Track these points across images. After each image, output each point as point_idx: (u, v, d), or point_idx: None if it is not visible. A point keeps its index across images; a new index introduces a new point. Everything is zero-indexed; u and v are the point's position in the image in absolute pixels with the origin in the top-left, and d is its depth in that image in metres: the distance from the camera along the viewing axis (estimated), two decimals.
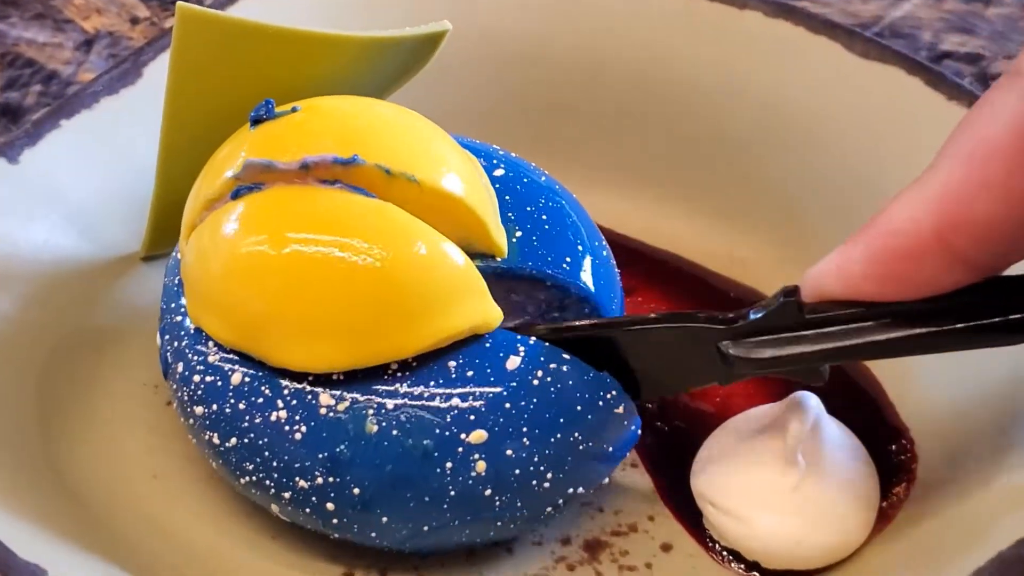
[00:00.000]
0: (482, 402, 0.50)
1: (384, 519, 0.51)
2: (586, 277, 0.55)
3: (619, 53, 0.70)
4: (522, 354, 0.51)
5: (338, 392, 0.50)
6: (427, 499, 0.50)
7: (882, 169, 0.63)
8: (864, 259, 0.45)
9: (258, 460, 0.51)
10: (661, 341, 0.52)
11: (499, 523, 0.52)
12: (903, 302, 0.45)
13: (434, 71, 0.61)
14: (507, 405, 0.50)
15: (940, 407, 0.58)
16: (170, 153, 0.58)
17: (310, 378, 0.51)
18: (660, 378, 0.53)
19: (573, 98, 0.71)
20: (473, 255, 0.54)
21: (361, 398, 0.50)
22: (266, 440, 0.51)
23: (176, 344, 0.53)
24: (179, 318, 0.54)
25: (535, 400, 0.50)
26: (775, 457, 0.54)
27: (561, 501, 0.52)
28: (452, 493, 0.50)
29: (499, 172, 0.58)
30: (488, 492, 0.50)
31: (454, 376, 0.50)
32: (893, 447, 0.58)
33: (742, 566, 0.55)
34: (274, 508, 0.52)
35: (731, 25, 0.68)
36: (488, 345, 0.51)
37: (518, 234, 0.55)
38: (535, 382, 0.50)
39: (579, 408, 0.51)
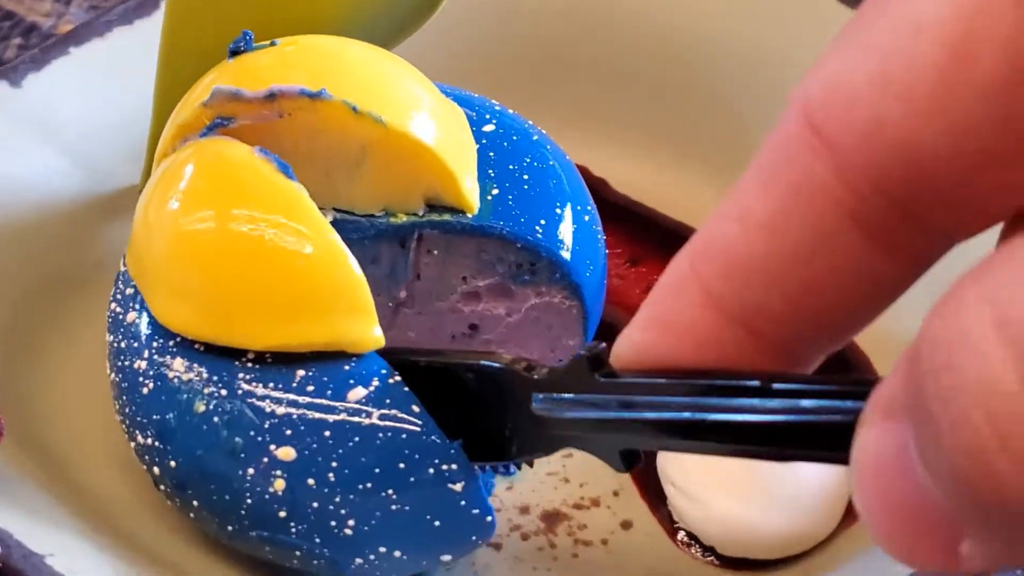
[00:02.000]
0: (303, 422, 0.47)
1: (195, 503, 0.49)
2: (560, 242, 0.54)
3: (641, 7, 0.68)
4: (370, 389, 0.48)
5: (189, 363, 0.49)
6: (227, 498, 0.48)
7: None
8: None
9: (119, 402, 0.51)
10: (468, 386, 0.46)
11: (299, 553, 0.49)
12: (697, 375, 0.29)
13: (439, 22, 0.60)
14: (326, 433, 0.47)
15: None
16: (166, 87, 0.58)
17: (177, 339, 0.49)
18: (484, 437, 0.47)
19: (590, 55, 0.69)
20: (442, 208, 0.53)
21: (205, 375, 0.48)
22: (126, 386, 0.50)
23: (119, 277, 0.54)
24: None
25: (356, 440, 0.47)
26: None
27: (375, 558, 0.49)
28: (249, 501, 0.48)
29: (488, 128, 0.56)
30: (283, 514, 0.48)
31: (295, 384, 0.48)
32: None
33: (700, 550, 0.53)
34: None
35: None
36: (346, 368, 0.48)
37: (494, 192, 0.54)
38: (366, 422, 0.47)
39: (401, 466, 0.47)
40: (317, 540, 0.48)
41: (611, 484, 0.56)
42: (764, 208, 0.26)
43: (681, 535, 0.54)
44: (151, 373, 0.49)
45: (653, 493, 0.56)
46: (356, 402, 0.47)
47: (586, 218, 0.55)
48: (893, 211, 0.24)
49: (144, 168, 0.62)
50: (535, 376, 0.42)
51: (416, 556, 0.50)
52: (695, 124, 0.67)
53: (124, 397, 0.51)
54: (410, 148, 0.51)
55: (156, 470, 0.50)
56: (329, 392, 0.48)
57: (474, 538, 0.50)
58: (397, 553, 0.49)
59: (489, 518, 0.49)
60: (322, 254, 0.48)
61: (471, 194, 0.53)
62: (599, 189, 0.67)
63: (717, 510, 0.52)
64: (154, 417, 0.49)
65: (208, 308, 0.49)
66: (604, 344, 0.35)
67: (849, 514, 0.53)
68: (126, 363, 0.50)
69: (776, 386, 0.28)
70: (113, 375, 0.52)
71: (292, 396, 0.47)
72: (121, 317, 0.51)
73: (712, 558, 0.53)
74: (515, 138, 0.56)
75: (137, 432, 0.50)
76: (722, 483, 0.52)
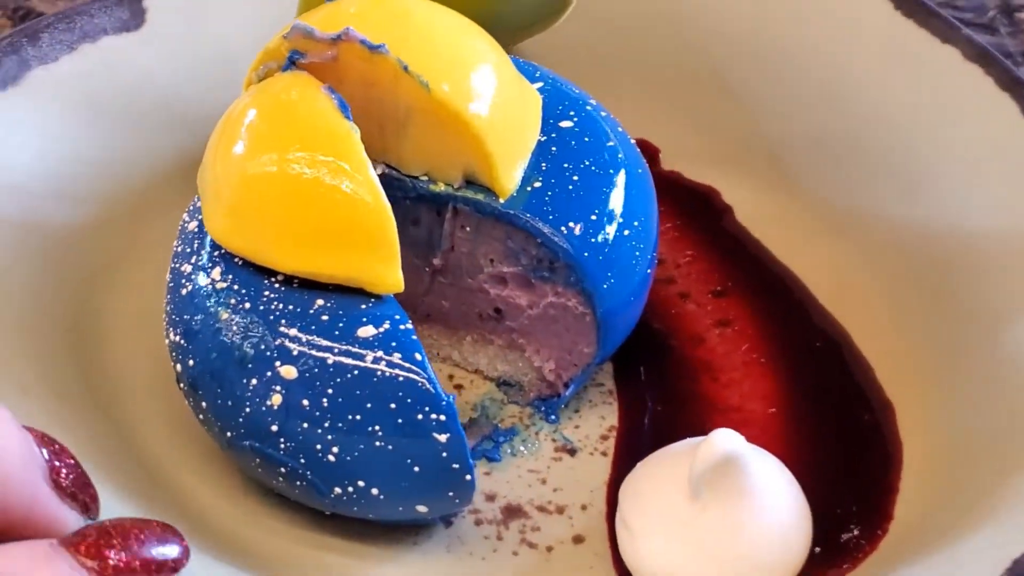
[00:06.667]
0: (311, 347, 0.49)
1: (203, 404, 0.52)
2: (583, 247, 0.54)
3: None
4: (380, 330, 0.50)
5: (226, 273, 0.52)
6: (230, 403, 0.51)
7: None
8: None
9: (166, 300, 0.54)
10: None
11: (283, 470, 0.51)
12: None
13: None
14: (329, 361, 0.49)
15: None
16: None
17: (222, 251, 0.52)
18: None
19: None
20: (478, 187, 0.54)
21: (236, 287, 0.51)
22: (172, 285, 0.54)
23: None
24: None
25: (355, 373, 0.49)
26: (682, 487, 0.51)
27: (354, 492, 0.51)
28: (247, 410, 0.50)
29: (565, 123, 0.57)
30: (275, 428, 0.50)
31: (312, 311, 0.50)
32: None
33: None
34: None
35: None
36: (362, 307, 0.50)
37: (536, 184, 0.54)
38: (368, 358, 0.49)
39: (392, 407, 0.49)
40: (302, 460, 0.50)
41: (583, 497, 0.56)
42: None
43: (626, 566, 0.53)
44: (193, 277, 0.53)
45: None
46: (363, 339, 0.50)
47: (626, 232, 0.55)
48: None
49: None
50: None
51: (393, 498, 0.51)
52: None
53: (168, 295, 0.54)
54: (450, 119, 0.52)
55: (178, 367, 0.53)
56: (341, 325, 0.50)
57: (451, 494, 0.52)
58: (375, 491, 0.51)
59: (468, 476, 0.51)
60: (359, 193, 0.50)
61: (506, 179, 0.54)
62: (722, 214, 0.66)
63: (646, 546, 0.52)
64: (185, 316, 0.52)
65: (248, 226, 0.51)
66: None
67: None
68: (177, 265, 0.54)
69: None
70: (168, 275, 0.55)
71: (306, 322, 0.50)
72: (186, 224, 0.55)
73: None
74: (587, 139, 0.56)
75: (170, 329, 0.53)
76: (658, 523, 0.51)
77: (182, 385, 0.53)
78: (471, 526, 0.55)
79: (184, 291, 0.53)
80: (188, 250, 0.54)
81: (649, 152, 0.69)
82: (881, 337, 0.60)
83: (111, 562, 0.40)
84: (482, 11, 0.60)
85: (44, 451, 0.42)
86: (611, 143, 0.57)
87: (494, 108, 0.53)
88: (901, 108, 0.64)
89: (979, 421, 0.55)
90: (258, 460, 0.52)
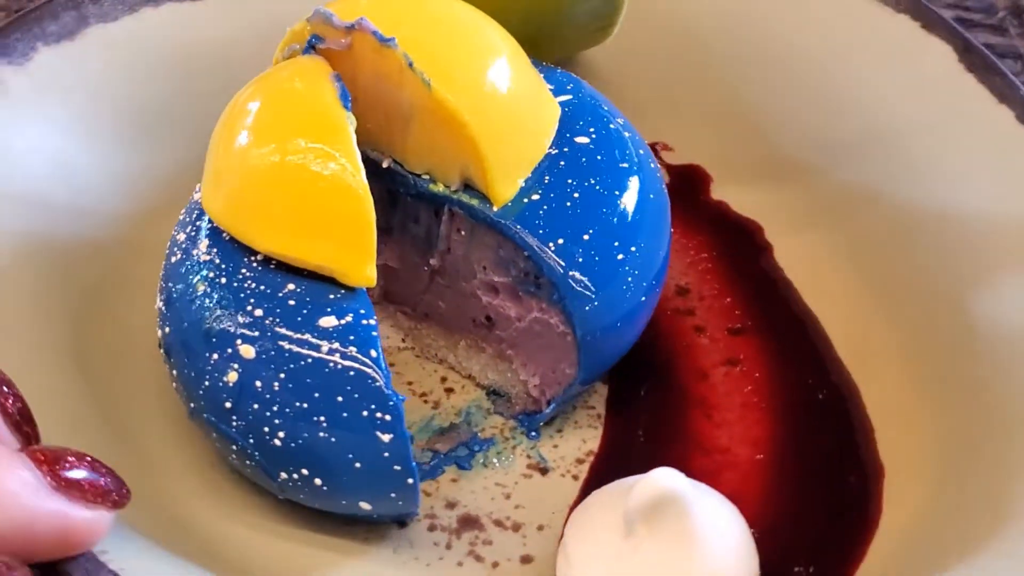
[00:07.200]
0: (271, 329, 0.50)
1: (174, 372, 0.52)
2: (570, 266, 0.53)
3: None
4: (341, 321, 0.50)
5: (211, 247, 0.52)
6: (192, 375, 0.51)
7: None
8: None
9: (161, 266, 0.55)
10: None
11: (235, 448, 0.51)
12: None
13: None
14: (285, 346, 0.49)
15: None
16: None
17: (212, 224, 0.53)
18: None
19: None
20: (475, 192, 0.53)
21: (217, 261, 0.52)
22: (167, 253, 0.55)
23: None
24: None
25: (308, 361, 0.49)
26: (619, 523, 0.50)
27: (298, 479, 0.51)
28: (206, 383, 0.51)
29: (581, 139, 0.56)
30: (228, 405, 0.50)
31: (281, 294, 0.50)
32: None
33: None
34: None
35: None
36: (330, 296, 0.50)
37: (534, 197, 0.53)
38: (323, 349, 0.49)
39: (339, 399, 0.49)
40: (251, 441, 0.50)
41: (543, 518, 0.55)
42: None
43: None
44: (183, 246, 0.53)
45: None
46: (323, 329, 0.49)
47: (620, 256, 0.54)
48: None
49: None
50: None
51: (335, 491, 0.51)
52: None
53: (163, 263, 0.55)
54: (448, 120, 0.52)
55: (159, 333, 0.54)
56: (305, 312, 0.50)
57: (393, 495, 0.51)
58: (318, 481, 0.51)
59: (411, 480, 0.50)
60: (342, 183, 0.50)
61: (502, 187, 0.53)
62: (761, 252, 0.64)
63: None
64: (169, 284, 0.53)
65: (231, 201, 0.52)
66: None
67: None
68: (176, 233, 0.55)
69: None
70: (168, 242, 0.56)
71: (273, 304, 0.50)
72: (195, 194, 0.56)
73: None
74: (599, 158, 0.55)
75: (158, 295, 0.54)
76: (593, 556, 0.50)
77: (161, 350, 0.54)
78: (424, 531, 0.55)
79: (174, 259, 0.54)
80: (187, 219, 0.55)
81: (699, 179, 0.68)
82: (890, 399, 0.58)
83: (64, 472, 0.43)
84: (525, 19, 0.59)
85: None
86: (624, 164, 0.55)
87: (498, 113, 0.53)
88: (967, 180, 0.61)
89: (968, 503, 0.52)
90: (215, 435, 0.52)
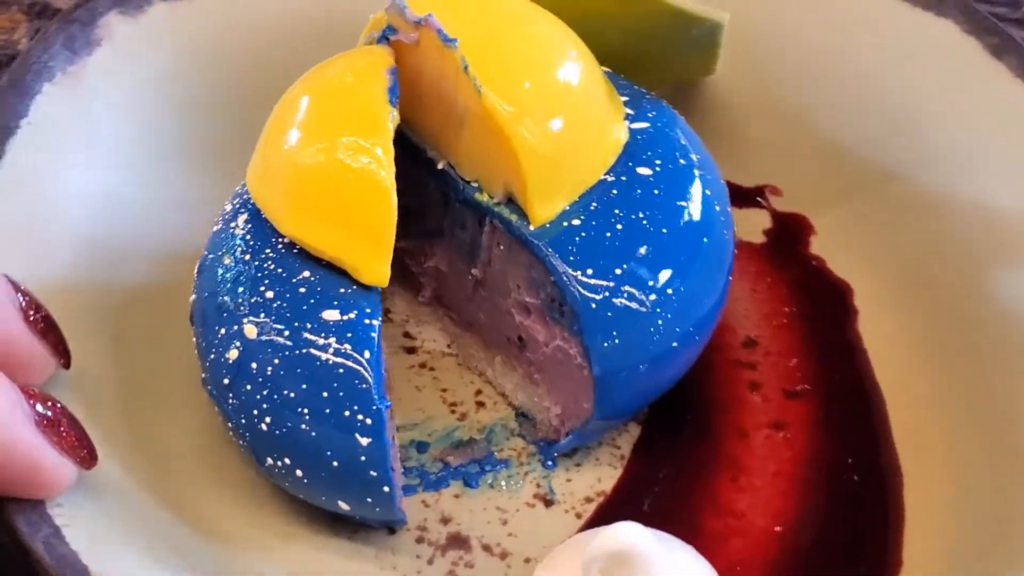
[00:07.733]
0: (275, 313, 0.49)
1: (195, 339, 0.53)
2: (594, 299, 0.50)
3: None
4: (344, 318, 0.49)
5: (248, 222, 0.52)
6: (203, 345, 0.51)
7: None
8: None
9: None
10: None
11: (231, 425, 0.51)
12: None
13: None
14: (285, 334, 0.49)
15: None
16: None
17: (249, 202, 0.53)
18: None
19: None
20: (515, 207, 0.52)
21: (248, 237, 0.52)
22: (217, 220, 0.55)
23: None
24: None
25: (303, 351, 0.49)
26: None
27: (281, 467, 0.50)
28: (212, 357, 0.51)
29: (643, 170, 0.53)
30: (226, 382, 0.50)
31: (294, 281, 0.50)
32: None
33: None
34: None
35: None
36: (340, 290, 0.50)
37: (575, 222, 0.52)
38: (319, 342, 0.49)
39: (324, 395, 0.48)
40: (243, 421, 0.50)
41: (533, 552, 0.53)
42: None
43: None
44: (226, 219, 0.54)
45: None
46: (324, 321, 0.49)
47: (652, 297, 0.51)
48: None
49: None
50: None
51: (314, 486, 0.51)
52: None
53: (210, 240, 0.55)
54: (495, 130, 0.50)
55: (191, 298, 0.54)
56: (312, 301, 0.49)
57: (369, 500, 0.50)
58: (299, 472, 0.50)
59: (387, 488, 0.49)
60: (370, 177, 0.49)
61: (541, 206, 0.52)
62: (846, 317, 0.61)
63: None
64: (205, 253, 0.54)
65: (266, 179, 0.52)
66: None
67: None
68: (226, 204, 0.55)
69: None
70: None
71: (284, 288, 0.50)
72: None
73: None
74: (655, 192, 0.53)
75: (198, 265, 0.54)
76: None
77: (190, 318, 0.54)
78: (411, 542, 0.54)
79: (216, 227, 0.54)
80: (239, 191, 0.55)
81: (802, 229, 0.64)
82: (933, 496, 0.54)
83: (47, 412, 0.45)
84: (623, 40, 0.57)
85: (19, 296, 0.48)
86: (682, 203, 0.53)
87: (548, 131, 0.51)
88: None
89: None
90: (217, 410, 0.52)
